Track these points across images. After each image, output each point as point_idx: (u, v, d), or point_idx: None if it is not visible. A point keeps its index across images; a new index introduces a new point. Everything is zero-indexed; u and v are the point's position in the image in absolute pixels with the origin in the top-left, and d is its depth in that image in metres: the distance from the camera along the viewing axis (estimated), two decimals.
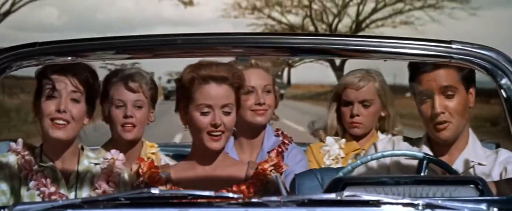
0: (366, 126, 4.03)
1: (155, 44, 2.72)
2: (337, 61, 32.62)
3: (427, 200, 2.33)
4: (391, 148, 3.29)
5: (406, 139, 3.36)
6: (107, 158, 3.31)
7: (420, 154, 3.11)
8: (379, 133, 4.08)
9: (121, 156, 3.34)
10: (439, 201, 2.34)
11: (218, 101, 3.11)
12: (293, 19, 37.35)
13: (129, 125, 3.61)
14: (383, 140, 3.42)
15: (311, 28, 37.21)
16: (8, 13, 32.18)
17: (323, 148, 4.03)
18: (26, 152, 3.22)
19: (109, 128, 3.69)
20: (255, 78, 3.78)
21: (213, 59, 3.16)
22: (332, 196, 2.31)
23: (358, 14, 35.93)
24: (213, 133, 3.12)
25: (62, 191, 3.20)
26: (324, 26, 36.78)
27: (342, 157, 4.00)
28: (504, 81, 2.64)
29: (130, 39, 2.73)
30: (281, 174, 3.25)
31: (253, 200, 2.38)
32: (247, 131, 3.83)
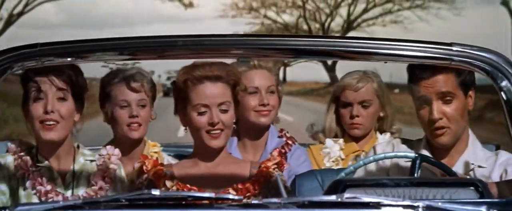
0: (366, 127, 4.04)
1: (156, 46, 2.72)
2: (329, 62, 33.48)
3: (427, 202, 2.33)
4: (390, 150, 3.29)
5: (405, 141, 3.36)
6: (102, 154, 3.31)
7: (412, 154, 3.11)
8: (377, 134, 4.09)
9: (116, 151, 3.34)
10: (439, 203, 2.34)
11: (214, 100, 3.12)
12: (288, 18, 38.27)
13: (135, 125, 3.63)
14: (382, 144, 3.42)
15: (305, 27, 38.01)
16: (21, 13, 32.48)
17: (323, 150, 4.03)
18: (23, 153, 3.22)
19: (112, 128, 3.71)
20: (259, 78, 3.78)
21: (208, 59, 3.17)
22: (332, 198, 2.31)
23: (349, 14, 36.95)
24: (212, 132, 3.13)
25: (59, 189, 3.20)
26: (317, 26, 37.61)
27: (342, 159, 4.00)
28: (504, 83, 2.65)
29: (131, 40, 2.73)
30: (282, 171, 3.26)
31: (253, 201, 2.38)
32: (251, 132, 3.83)
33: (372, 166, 3.28)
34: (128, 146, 3.64)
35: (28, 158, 3.21)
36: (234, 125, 3.22)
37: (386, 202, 2.32)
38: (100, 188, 3.23)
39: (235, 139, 3.82)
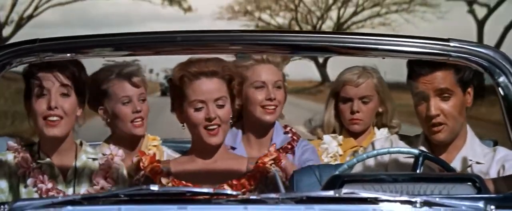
0: (366, 123, 4.05)
1: (155, 41, 2.72)
2: (320, 59, 34.16)
3: (424, 198, 2.33)
4: (389, 146, 3.29)
5: (403, 137, 3.37)
6: (105, 154, 3.31)
7: (416, 151, 3.12)
8: (375, 129, 4.10)
9: (120, 152, 3.34)
10: (437, 199, 2.34)
11: (211, 95, 3.13)
12: (281, 21, 39.13)
13: (139, 120, 3.61)
14: (380, 139, 3.43)
15: (297, 29, 38.96)
16: (31, 16, 32.81)
17: (321, 145, 4.04)
18: (24, 150, 3.22)
19: (110, 126, 3.67)
20: (266, 73, 3.75)
21: (203, 55, 3.17)
22: (330, 193, 2.31)
23: (339, 16, 37.94)
24: (209, 127, 3.13)
25: (60, 187, 3.20)
26: (309, 28, 38.35)
27: (340, 155, 4.01)
28: (501, 79, 2.65)
29: (129, 36, 2.74)
30: (279, 167, 3.26)
31: (251, 197, 2.38)
32: (256, 128, 3.79)
33: (370, 162, 3.28)
34: (128, 141, 3.62)
35: (28, 155, 3.21)
36: (230, 121, 3.22)
37: (384, 197, 2.32)
38: (102, 188, 3.22)
39: (239, 132, 3.81)
